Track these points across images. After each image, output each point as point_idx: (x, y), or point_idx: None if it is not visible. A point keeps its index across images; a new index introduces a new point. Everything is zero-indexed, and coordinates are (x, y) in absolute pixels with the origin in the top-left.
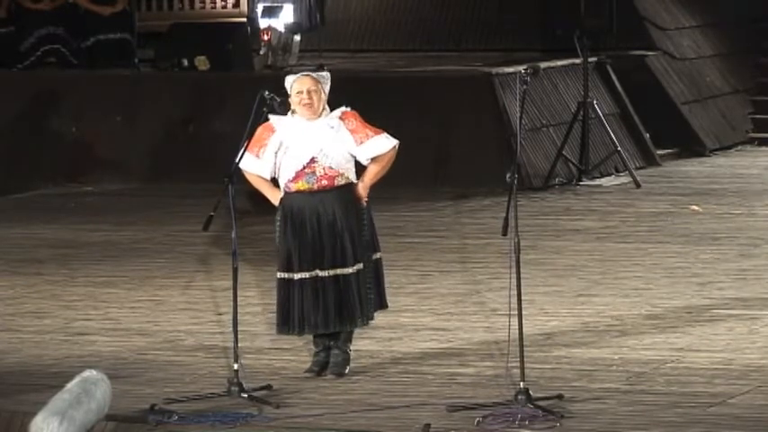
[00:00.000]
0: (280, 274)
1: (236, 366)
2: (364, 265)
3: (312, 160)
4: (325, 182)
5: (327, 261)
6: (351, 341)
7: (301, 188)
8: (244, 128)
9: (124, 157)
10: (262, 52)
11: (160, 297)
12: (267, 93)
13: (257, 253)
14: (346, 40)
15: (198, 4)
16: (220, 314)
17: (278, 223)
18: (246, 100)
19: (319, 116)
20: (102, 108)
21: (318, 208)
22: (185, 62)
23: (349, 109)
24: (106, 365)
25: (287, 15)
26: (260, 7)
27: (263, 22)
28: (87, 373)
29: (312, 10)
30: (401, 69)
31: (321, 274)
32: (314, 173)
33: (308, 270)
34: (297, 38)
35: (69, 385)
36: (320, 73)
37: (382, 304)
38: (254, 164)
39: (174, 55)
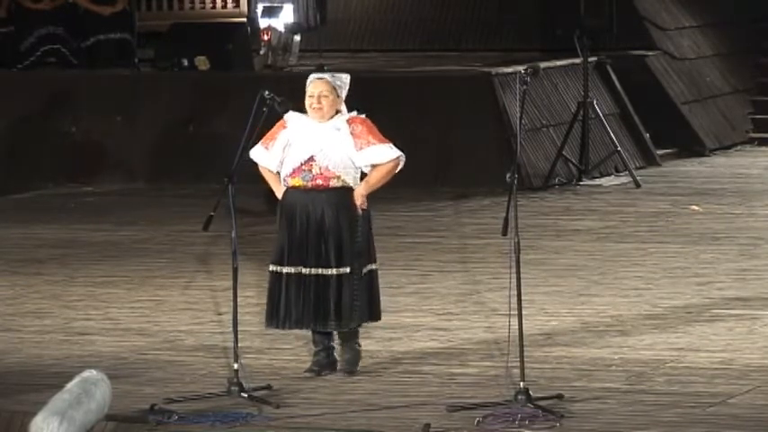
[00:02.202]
0: (271, 267)
1: (236, 366)
2: (352, 271)
3: (311, 158)
4: (319, 181)
5: (311, 259)
6: (358, 337)
7: (296, 184)
8: (244, 128)
9: (124, 157)
10: (262, 52)
11: (160, 297)
12: (267, 93)
13: (257, 253)
14: (346, 40)
15: (198, 4)
16: (220, 314)
17: (277, 217)
18: (246, 100)
19: (330, 119)
20: (102, 108)
21: (308, 206)
22: (185, 62)
23: (362, 115)
24: (106, 365)
25: (287, 15)
26: (260, 7)
27: (263, 22)
28: (87, 374)
29: (312, 10)
30: (401, 69)
31: (304, 271)
32: (310, 171)
33: (293, 265)
34: (297, 38)
35: (69, 385)
36: (338, 75)
37: (372, 316)
38: (263, 156)
39: (174, 55)
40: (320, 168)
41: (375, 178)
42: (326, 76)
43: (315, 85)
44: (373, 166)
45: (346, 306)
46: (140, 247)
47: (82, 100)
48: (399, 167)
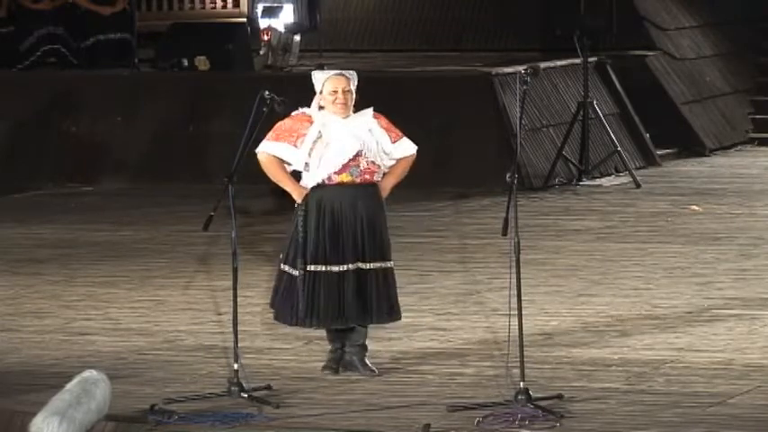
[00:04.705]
0: (309, 267)
1: (236, 366)
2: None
3: (358, 154)
4: (367, 176)
5: (352, 254)
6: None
7: (344, 180)
8: (244, 128)
9: (124, 157)
10: (262, 52)
11: (160, 297)
12: (267, 93)
13: (257, 253)
14: (346, 40)
15: (198, 4)
16: (220, 314)
17: (301, 217)
18: (246, 100)
19: (351, 115)
20: (102, 108)
21: (355, 201)
22: (185, 62)
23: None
24: (106, 365)
25: (287, 15)
26: (260, 7)
27: (263, 22)
28: (87, 374)
29: (312, 10)
30: (401, 69)
31: (334, 268)
32: (358, 166)
33: (334, 264)
34: (297, 38)
35: (69, 385)
36: (351, 72)
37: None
38: (291, 153)
39: (174, 55)
40: (367, 163)
41: (399, 172)
42: (345, 72)
43: (338, 80)
44: (398, 160)
45: (383, 297)
46: (140, 247)
47: (82, 100)
48: None
